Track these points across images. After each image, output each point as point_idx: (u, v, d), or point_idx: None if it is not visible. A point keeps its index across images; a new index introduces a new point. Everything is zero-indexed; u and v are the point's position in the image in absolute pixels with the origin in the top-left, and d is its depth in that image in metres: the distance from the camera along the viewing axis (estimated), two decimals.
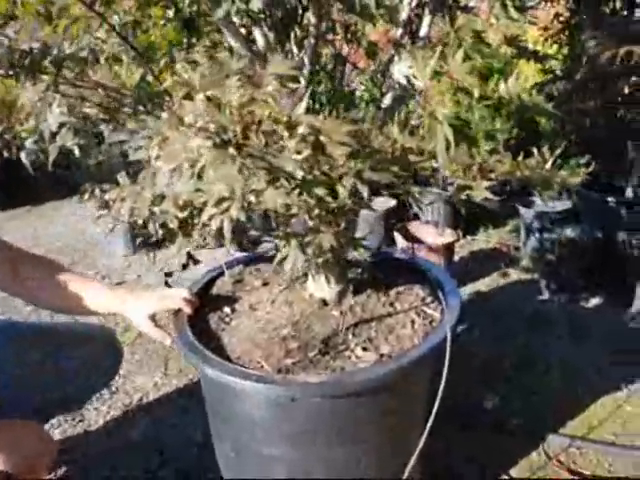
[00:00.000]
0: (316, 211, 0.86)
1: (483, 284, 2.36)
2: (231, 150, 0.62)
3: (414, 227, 2.45)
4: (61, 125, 0.85)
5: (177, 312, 1.18)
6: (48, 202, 3.56)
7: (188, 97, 0.65)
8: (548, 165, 0.85)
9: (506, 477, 1.41)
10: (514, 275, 2.44)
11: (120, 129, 1.07)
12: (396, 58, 1.00)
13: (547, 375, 1.78)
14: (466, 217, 2.80)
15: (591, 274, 2.26)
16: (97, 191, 0.87)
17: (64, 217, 3.35)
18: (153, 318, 1.19)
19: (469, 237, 2.80)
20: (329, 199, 0.77)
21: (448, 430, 1.48)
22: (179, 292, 1.20)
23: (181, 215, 0.73)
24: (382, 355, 1.03)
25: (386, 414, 1.05)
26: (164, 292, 1.27)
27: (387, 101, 1.09)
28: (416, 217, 2.73)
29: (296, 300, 1.19)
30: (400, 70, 1.01)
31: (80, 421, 1.66)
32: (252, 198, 0.68)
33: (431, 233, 2.41)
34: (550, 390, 1.71)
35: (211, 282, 1.31)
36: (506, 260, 2.55)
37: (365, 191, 0.73)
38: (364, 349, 1.04)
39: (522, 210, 2.58)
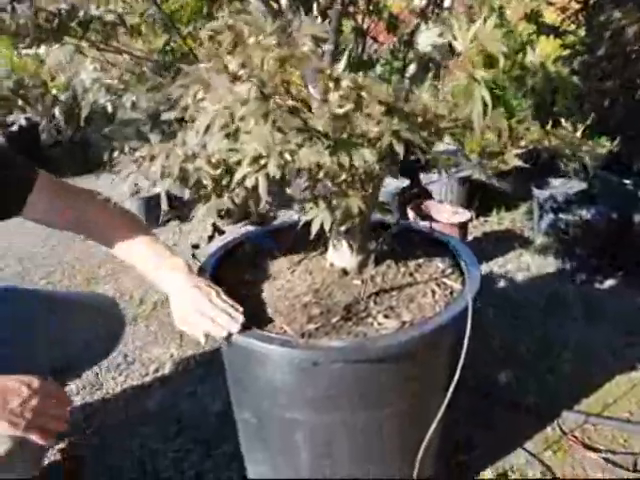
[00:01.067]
0: (343, 175, 0.86)
1: (496, 264, 2.36)
2: (271, 104, 0.62)
3: (428, 206, 2.45)
4: (94, 82, 0.85)
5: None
6: (64, 178, 3.57)
7: (233, 45, 0.65)
8: (578, 134, 0.85)
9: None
10: (527, 256, 2.43)
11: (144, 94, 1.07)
12: (422, 27, 0.99)
13: (562, 355, 1.78)
14: (479, 198, 2.80)
15: (606, 255, 2.26)
16: (127, 149, 0.87)
17: None
18: None
19: (482, 218, 2.79)
20: (360, 161, 0.77)
21: (466, 403, 1.49)
22: (219, 302, 1.07)
23: (214, 173, 0.73)
24: (404, 323, 1.03)
25: (408, 380, 1.05)
26: (199, 300, 1.09)
27: (412, 70, 1.09)
28: (429, 197, 2.73)
29: (316, 269, 1.19)
30: (427, 39, 1.00)
31: (98, 390, 1.68)
32: (287, 156, 0.69)
33: (445, 212, 2.41)
34: (565, 370, 1.72)
35: (231, 251, 1.32)
36: (519, 241, 2.55)
37: (402, 150, 0.73)
38: (386, 316, 1.05)
39: (536, 191, 2.58)
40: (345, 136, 0.77)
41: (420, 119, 0.77)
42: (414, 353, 1.03)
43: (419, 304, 1.10)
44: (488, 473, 1.36)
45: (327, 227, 0.87)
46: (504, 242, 2.55)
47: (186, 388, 1.68)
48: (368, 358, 0.97)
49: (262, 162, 0.67)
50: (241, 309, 1.03)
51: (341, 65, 0.69)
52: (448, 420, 1.12)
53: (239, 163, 0.70)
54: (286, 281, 1.17)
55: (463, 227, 2.31)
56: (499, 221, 2.77)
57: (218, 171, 0.72)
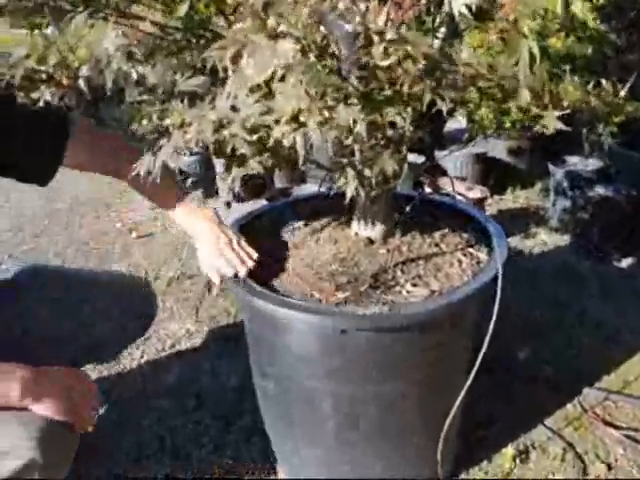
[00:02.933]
0: (377, 137, 0.84)
1: (513, 241, 2.33)
2: (312, 58, 0.60)
3: (443, 182, 2.42)
4: (117, 48, 0.83)
5: None
6: None
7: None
8: (622, 92, 0.82)
9: None
10: (544, 235, 2.41)
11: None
12: None
13: (579, 332, 1.76)
14: (494, 176, 2.77)
15: (624, 233, 2.23)
16: (154, 116, 0.84)
17: None
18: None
19: (497, 196, 2.76)
20: (398, 120, 0.74)
21: (485, 377, 1.48)
22: (238, 247, 1.14)
23: (250, 138, 0.70)
24: (433, 291, 1.02)
25: (435, 350, 1.04)
26: (221, 242, 1.15)
27: (443, 32, 1.05)
28: (444, 174, 2.70)
29: (341, 239, 1.17)
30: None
31: (115, 365, 1.68)
32: (326, 113, 0.66)
33: (461, 189, 2.38)
34: (582, 346, 1.70)
35: (251, 222, 1.30)
36: (535, 219, 2.52)
37: (445, 108, 0.71)
38: (414, 285, 1.03)
39: (553, 169, 2.54)
40: (381, 95, 0.74)
41: (461, 77, 0.75)
42: (443, 321, 1.01)
43: (447, 273, 1.08)
44: (509, 449, 1.35)
45: (362, 193, 0.85)
46: (520, 220, 2.52)
47: (203, 363, 1.68)
48: (398, 326, 0.96)
49: (301, 119, 0.65)
50: (255, 256, 1.11)
51: (382, 18, 0.66)
52: (467, 396, 1.11)
53: (276, 123, 0.68)
54: (310, 250, 1.15)
55: (480, 203, 2.28)
56: (514, 199, 2.74)
57: (255, 136, 0.70)
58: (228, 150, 0.72)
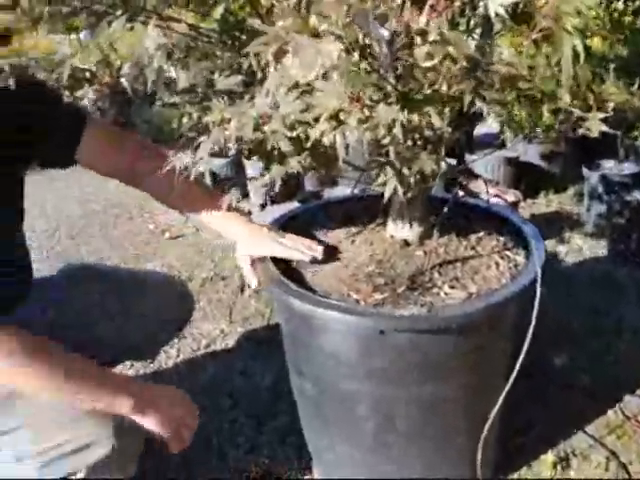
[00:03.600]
0: (414, 137, 0.84)
1: (547, 246, 2.29)
2: (356, 56, 0.61)
3: (475, 185, 2.40)
4: (158, 47, 0.85)
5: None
6: None
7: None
8: None
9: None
10: (578, 240, 2.37)
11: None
12: None
13: (617, 339, 1.73)
14: (526, 180, 2.74)
15: None
16: (194, 115, 0.86)
17: None
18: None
19: (529, 200, 2.73)
20: (437, 120, 0.75)
21: (522, 383, 1.46)
22: (294, 240, 1.15)
23: (290, 134, 0.72)
24: (471, 293, 1.01)
25: (474, 353, 1.03)
26: (276, 235, 1.18)
27: (478, 33, 1.05)
28: (475, 177, 2.68)
29: (376, 240, 1.18)
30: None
31: (150, 363, 1.70)
32: (366, 112, 0.67)
33: (494, 192, 2.36)
34: (621, 353, 1.67)
35: (285, 224, 1.31)
36: (569, 224, 2.48)
37: (485, 108, 0.71)
38: (452, 287, 1.03)
39: (587, 173, 2.50)
40: (421, 95, 0.75)
41: (501, 78, 0.75)
42: (482, 323, 1.00)
43: (484, 276, 1.08)
44: (549, 456, 1.33)
45: (400, 192, 0.85)
46: (554, 224, 2.49)
47: (237, 363, 1.69)
48: (437, 327, 0.95)
49: (341, 117, 0.66)
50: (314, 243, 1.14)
51: (422, 19, 0.66)
52: (505, 401, 1.10)
53: (315, 121, 0.69)
54: (346, 252, 1.16)
55: (513, 207, 2.26)
56: (547, 203, 2.71)
57: (295, 133, 0.71)
58: (268, 147, 0.73)
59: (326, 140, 0.68)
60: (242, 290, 2.04)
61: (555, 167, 2.85)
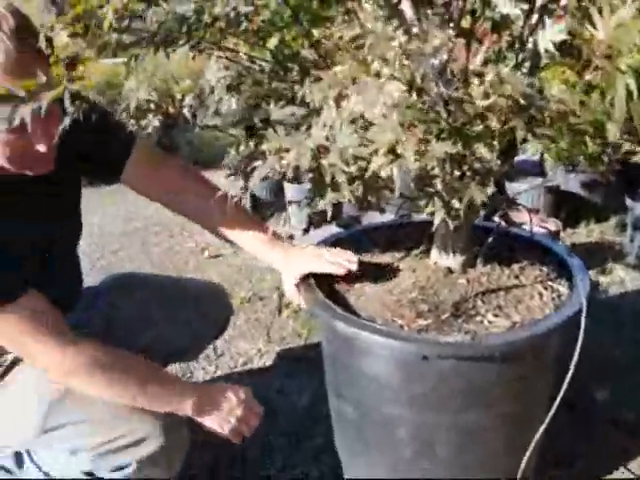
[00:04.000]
0: (463, 169, 0.86)
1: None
2: (414, 96, 0.64)
3: (516, 215, 2.39)
4: (218, 80, 0.89)
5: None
6: None
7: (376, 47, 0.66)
8: None
9: None
10: (620, 271, 2.33)
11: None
12: (547, 22, 0.97)
13: None
14: (566, 209, 2.72)
15: None
16: (251, 143, 0.90)
17: None
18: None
19: (569, 230, 2.70)
20: (488, 154, 0.77)
21: (563, 415, 1.44)
22: (334, 254, 1.19)
23: (347, 169, 0.74)
24: (514, 322, 1.02)
25: (516, 382, 1.04)
26: (316, 251, 1.23)
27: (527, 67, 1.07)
28: (517, 206, 2.66)
29: (419, 267, 1.19)
30: (549, 35, 0.99)
31: (189, 377, 1.74)
32: (422, 147, 0.70)
33: (535, 221, 2.35)
34: None
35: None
36: (611, 255, 2.45)
37: (538, 146, 0.73)
38: (495, 315, 1.03)
39: (630, 203, 2.47)
40: (472, 131, 0.77)
41: (551, 114, 0.76)
42: (526, 353, 1.01)
43: (527, 305, 1.08)
44: None
45: (450, 222, 0.87)
46: (595, 255, 2.46)
47: (274, 382, 1.71)
48: (481, 355, 0.96)
49: (398, 151, 0.69)
50: (354, 257, 1.17)
51: (479, 59, 0.69)
52: (546, 433, 1.09)
53: (372, 154, 0.72)
54: (390, 277, 1.17)
55: (554, 236, 2.24)
56: (588, 233, 2.68)
57: (353, 168, 0.74)
58: (327, 179, 0.76)
59: (383, 173, 0.71)
60: (280, 311, 2.07)
61: (596, 196, 2.82)
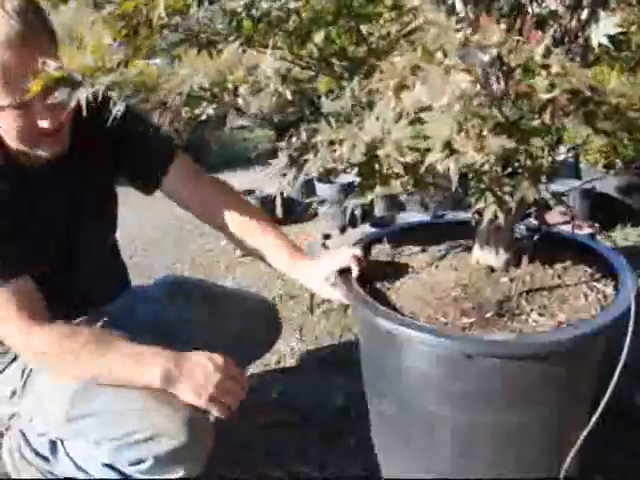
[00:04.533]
0: (515, 165, 0.85)
1: None
2: (478, 88, 0.63)
3: (550, 216, 2.36)
4: (275, 71, 0.90)
5: (342, 272, 1.19)
6: None
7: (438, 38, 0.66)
8: None
9: None
10: None
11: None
12: (602, 14, 0.96)
13: None
14: (602, 213, 2.67)
15: None
16: (303, 134, 0.90)
17: None
18: (327, 279, 1.21)
19: (605, 233, 2.65)
20: (540, 150, 0.76)
21: (606, 420, 1.42)
22: (347, 250, 1.21)
23: (404, 160, 0.74)
24: (560, 322, 1.00)
25: (559, 384, 1.02)
26: (332, 252, 1.27)
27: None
28: (549, 209, 2.63)
29: (461, 266, 1.18)
30: (602, 29, 0.97)
31: None
32: (478, 142, 0.69)
33: (568, 224, 2.31)
34: None
35: (369, 246, 1.34)
36: None
37: (601, 140, 0.72)
38: (540, 315, 1.02)
39: None
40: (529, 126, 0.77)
41: (610, 108, 0.75)
42: (572, 354, 0.99)
43: (572, 305, 1.07)
44: None
45: (501, 219, 0.86)
46: (631, 259, 2.40)
47: (306, 381, 1.71)
48: (526, 354, 0.95)
49: (454, 146, 0.68)
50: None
51: (540, 51, 0.68)
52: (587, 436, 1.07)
53: (428, 150, 0.72)
54: (431, 276, 1.17)
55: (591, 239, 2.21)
56: (624, 237, 2.63)
57: (409, 158, 0.74)
58: (384, 170, 0.76)
59: (440, 167, 0.71)
60: (312, 310, 2.07)
61: (633, 200, 2.77)
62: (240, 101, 0.91)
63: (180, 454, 1.04)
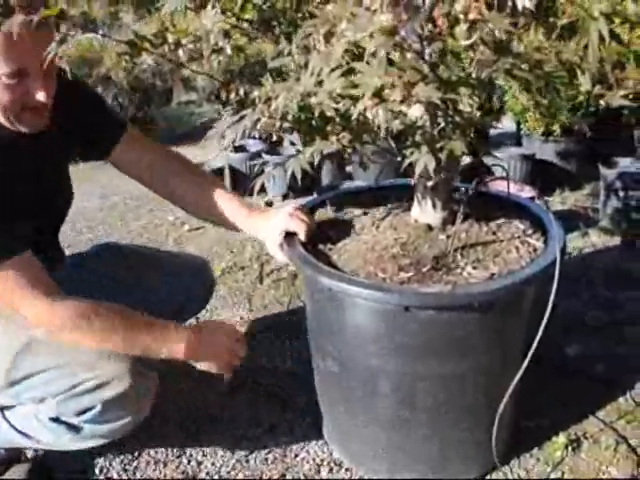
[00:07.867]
0: (449, 119, 0.88)
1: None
2: (397, 38, 0.65)
3: (493, 183, 2.43)
4: (214, 25, 0.90)
5: (288, 235, 1.20)
6: None
7: None
8: None
9: None
10: (593, 236, 2.39)
11: None
12: None
13: (632, 331, 1.76)
14: (542, 177, 2.77)
15: None
16: (241, 90, 0.91)
17: None
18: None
19: (545, 198, 2.75)
20: (468, 101, 0.79)
21: (535, 369, 1.49)
22: (293, 210, 1.22)
23: (335, 105, 0.76)
24: (492, 274, 1.05)
25: (494, 333, 1.07)
26: (287, 210, 1.24)
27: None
28: (491, 174, 2.71)
29: (400, 225, 1.21)
30: None
31: None
32: (406, 91, 0.71)
33: (510, 189, 2.39)
34: (636, 345, 1.69)
35: (312, 210, 1.35)
36: (584, 221, 2.51)
37: (517, 88, 0.75)
38: (474, 268, 1.06)
39: (603, 170, 2.52)
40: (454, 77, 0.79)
41: (530, 60, 0.78)
42: (503, 303, 1.04)
43: (504, 259, 1.11)
44: (560, 438, 1.36)
45: (431, 169, 0.89)
46: (568, 221, 2.50)
47: (256, 347, 1.73)
48: (460, 305, 0.99)
49: (384, 94, 0.70)
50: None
51: (460, 3, 0.70)
52: (519, 383, 1.13)
53: (357, 98, 0.73)
54: (372, 236, 1.20)
55: None
56: (562, 200, 2.73)
57: (340, 104, 0.75)
58: (316, 114, 0.78)
59: (369, 115, 0.73)
60: (261, 280, 2.09)
61: (570, 165, 2.88)
62: (181, 54, 0.90)
63: (126, 399, 1.09)
